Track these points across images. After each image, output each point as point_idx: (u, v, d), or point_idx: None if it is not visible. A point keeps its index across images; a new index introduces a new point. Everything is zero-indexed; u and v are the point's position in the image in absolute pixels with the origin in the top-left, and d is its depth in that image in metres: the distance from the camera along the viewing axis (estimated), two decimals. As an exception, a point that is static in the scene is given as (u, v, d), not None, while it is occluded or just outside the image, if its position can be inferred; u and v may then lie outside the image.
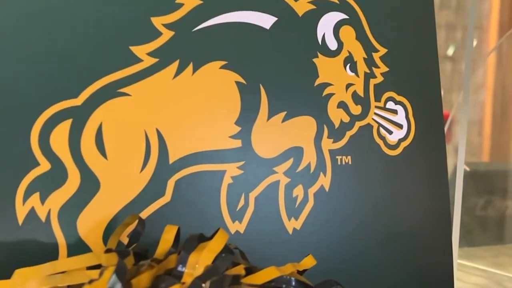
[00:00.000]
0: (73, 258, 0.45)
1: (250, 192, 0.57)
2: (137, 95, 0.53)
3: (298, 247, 0.59)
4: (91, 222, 0.50)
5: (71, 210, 0.49)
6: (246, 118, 0.58)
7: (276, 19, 0.59)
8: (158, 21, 0.54)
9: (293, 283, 0.46)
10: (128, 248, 0.48)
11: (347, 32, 0.63)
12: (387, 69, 0.66)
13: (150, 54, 0.53)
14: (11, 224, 0.48)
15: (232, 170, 0.56)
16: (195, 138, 0.55)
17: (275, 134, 0.59)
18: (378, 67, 0.65)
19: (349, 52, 0.63)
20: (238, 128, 0.57)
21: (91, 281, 0.40)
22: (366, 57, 0.64)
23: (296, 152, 0.60)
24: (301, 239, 0.59)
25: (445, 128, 0.95)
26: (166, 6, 0.55)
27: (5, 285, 0.43)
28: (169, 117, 0.54)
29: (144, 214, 0.52)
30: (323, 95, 0.61)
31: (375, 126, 0.64)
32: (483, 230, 1.33)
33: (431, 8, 0.71)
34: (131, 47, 0.53)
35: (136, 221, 0.50)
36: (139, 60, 0.53)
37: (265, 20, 0.59)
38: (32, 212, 0.48)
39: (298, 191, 0.60)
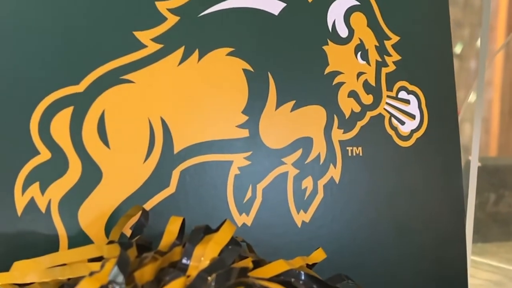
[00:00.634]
0: (73, 250, 0.43)
1: (258, 183, 0.55)
2: (141, 82, 0.51)
3: (307, 240, 0.57)
4: (93, 213, 0.48)
5: (72, 201, 0.48)
6: (254, 107, 0.55)
7: (285, 5, 0.57)
8: (162, 6, 0.52)
9: (302, 277, 0.45)
10: (131, 240, 0.47)
11: (358, 19, 0.61)
12: (399, 57, 0.64)
13: (155, 39, 0.51)
14: (10, 215, 0.46)
15: (239, 160, 0.54)
16: (200, 127, 0.53)
17: (284, 123, 0.57)
18: (390, 56, 0.63)
19: (360, 40, 0.61)
20: (246, 117, 0.55)
21: (91, 273, 0.39)
22: (377, 45, 0.62)
23: (305, 143, 0.58)
24: (310, 232, 0.57)
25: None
26: None
27: (4, 277, 0.42)
28: (174, 105, 0.52)
29: (148, 206, 0.50)
30: (333, 83, 0.59)
31: (387, 116, 0.62)
32: (495, 225, 1.31)
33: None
34: (134, 33, 0.51)
35: (140, 213, 0.49)
36: (143, 46, 0.51)
37: (274, 6, 0.57)
38: (31, 203, 0.46)
39: (307, 183, 0.58)
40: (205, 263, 0.42)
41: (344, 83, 0.59)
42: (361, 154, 0.60)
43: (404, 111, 0.63)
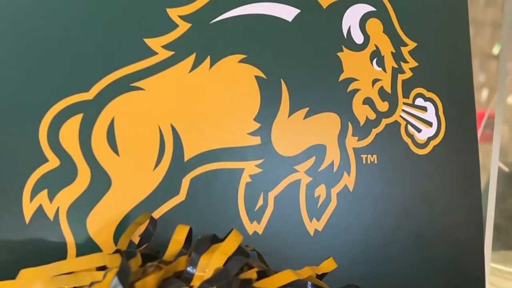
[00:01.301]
0: (78, 258, 0.43)
1: (270, 191, 0.55)
2: (151, 90, 0.50)
3: (320, 249, 0.56)
4: (101, 221, 0.48)
5: (80, 208, 0.47)
6: (266, 114, 0.55)
7: (299, 11, 0.57)
8: (174, 13, 0.52)
9: (310, 287, 0.44)
10: (139, 249, 0.46)
11: (374, 25, 0.60)
12: (416, 64, 0.63)
13: (165, 46, 0.51)
14: (18, 222, 0.45)
15: (250, 168, 0.54)
16: (212, 135, 0.52)
17: (297, 131, 0.56)
18: (407, 62, 0.62)
19: (376, 46, 0.60)
20: (258, 125, 0.54)
21: (91, 284, 0.38)
22: (394, 51, 0.61)
23: (318, 150, 0.57)
24: (323, 241, 0.56)
25: (481, 128, 0.92)
26: None
27: (11, 285, 0.42)
28: (185, 112, 0.51)
29: (157, 214, 0.50)
30: (347, 90, 0.58)
31: (403, 123, 0.61)
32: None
33: (464, 1, 0.68)
34: (145, 40, 0.50)
35: (148, 221, 0.48)
36: (153, 53, 0.51)
37: (287, 12, 0.56)
38: (39, 210, 0.46)
39: (320, 191, 0.57)
40: (209, 273, 0.42)
41: (359, 90, 0.59)
42: (376, 162, 0.59)
43: (420, 118, 0.62)
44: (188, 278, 0.42)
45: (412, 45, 0.62)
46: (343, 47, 0.58)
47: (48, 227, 0.46)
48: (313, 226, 0.56)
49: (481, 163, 0.67)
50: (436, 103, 0.63)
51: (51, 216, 0.46)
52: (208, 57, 0.52)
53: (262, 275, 0.44)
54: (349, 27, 0.58)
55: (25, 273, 0.42)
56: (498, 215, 0.80)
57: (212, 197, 0.52)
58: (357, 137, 0.58)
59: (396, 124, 0.60)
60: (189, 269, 0.42)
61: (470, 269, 0.65)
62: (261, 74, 0.54)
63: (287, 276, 0.44)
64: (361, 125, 0.58)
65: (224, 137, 0.52)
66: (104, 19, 0.49)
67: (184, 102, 0.51)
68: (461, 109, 0.65)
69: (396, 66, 0.60)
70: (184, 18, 0.51)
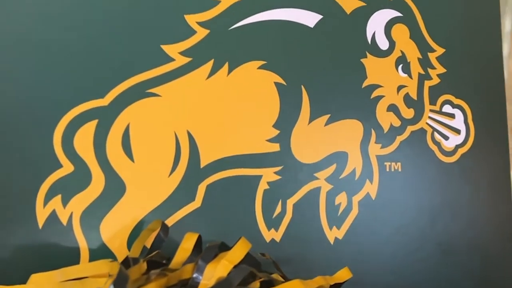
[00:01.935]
0: (84, 265, 0.42)
1: (288, 198, 0.53)
2: (167, 96, 0.49)
3: (340, 258, 0.54)
4: (115, 226, 0.47)
5: (94, 214, 0.46)
6: (286, 121, 0.53)
7: (321, 17, 0.55)
8: (192, 19, 0.50)
9: (315, 298, 0.42)
10: (146, 256, 0.45)
11: (400, 31, 0.58)
12: (444, 70, 0.60)
13: (183, 53, 0.50)
14: (31, 227, 0.45)
15: (268, 175, 0.52)
16: (229, 141, 0.51)
17: (317, 138, 0.54)
18: (434, 68, 0.59)
19: (402, 52, 0.58)
20: (277, 131, 0.53)
21: (92, 291, 0.38)
22: (421, 57, 0.59)
23: (339, 158, 0.55)
24: (344, 250, 0.54)
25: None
26: (202, 4, 0.51)
27: (20, 290, 0.41)
28: (202, 119, 0.50)
29: (172, 220, 0.49)
30: (371, 97, 0.56)
31: (429, 131, 0.59)
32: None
33: (496, 6, 0.65)
34: (162, 46, 0.49)
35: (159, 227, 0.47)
36: (170, 60, 0.49)
37: (309, 18, 0.54)
38: (53, 215, 0.45)
39: (341, 199, 0.55)
40: (213, 281, 0.40)
41: (383, 96, 0.56)
42: (400, 170, 0.57)
43: (448, 126, 0.59)
44: (194, 286, 0.40)
45: (440, 51, 0.59)
46: (367, 53, 0.56)
47: (62, 232, 0.46)
48: (333, 234, 0.54)
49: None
50: (465, 110, 0.60)
51: (64, 221, 0.45)
52: (226, 63, 0.51)
53: (268, 284, 0.43)
54: (374, 32, 0.56)
55: (35, 278, 0.42)
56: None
57: (229, 204, 0.50)
58: (380, 144, 0.56)
59: (422, 131, 0.58)
60: (195, 276, 0.41)
61: (499, 282, 0.62)
62: (281, 81, 0.52)
63: (294, 285, 0.42)
64: (385, 132, 0.56)
65: (242, 144, 0.51)
66: (121, 26, 0.48)
67: (201, 109, 0.50)
68: (492, 116, 0.62)
69: (422, 72, 0.58)
70: (202, 24, 0.50)
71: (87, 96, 0.46)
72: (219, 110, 0.50)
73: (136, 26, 0.48)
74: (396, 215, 0.56)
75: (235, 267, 0.42)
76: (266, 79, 0.52)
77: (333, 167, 0.54)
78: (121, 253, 0.47)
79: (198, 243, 0.45)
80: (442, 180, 0.58)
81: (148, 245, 0.47)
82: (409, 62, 0.57)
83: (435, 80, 0.59)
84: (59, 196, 0.45)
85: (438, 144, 0.58)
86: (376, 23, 0.56)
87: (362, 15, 0.56)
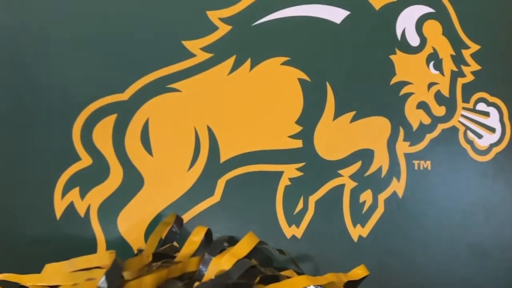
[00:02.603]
0: (88, 256, 0.39)
1: (310, 195, 0.49)
2: (188, 91, 0.46)
3: (364, 256, 0.50)
4: (132, 219, 0.43)
5: (112, 207, 0.42)
6: (309, 117, 0.47)
7: (348, 13, 0.51)
8: (214, 15, 0.47)
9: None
10: (162, 248, 0.43)
11: (432, 27, 0.53)
12: (479, 67, 0.55)
13: (204, 49, 0.47)
14: (49, 218, 0.41)
15: (290, 171, 0.49)
16: (250, 137, 0.45)
17: (342, 135, 0.48)
18: (469, 65, 0.54)
19: (434, 49, 0.53)
20: (299, 128, 0.49)
21: (89, 279, 0.37)
22: (454, 54, 0.54)
23: (365, 155, 0.50)
24: (368, 248, 0.49)
25: None
26: (225, 0, 0.49)
27: (34, 279, 0.40)
28: (222, 114, 0.45)
29: (190, 214, 0.45)
30: (400, 94, 0.52)
31: (462, 129, 0.54)
32: None
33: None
34: (183, 42, 0.46)
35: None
36: (191, 55, 0.46)
37: (336, 14, 0.50)
38: (70, 207, 0.42)
39: (366, 196, 0.51)
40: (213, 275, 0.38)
41: (412, 93, 0.52)
42: (429, 168, 0.52)
43: (482, 124, 0.54)
44: (199, 278, 0.38)
45: (475, 47, 0.54)
46: (396, 49, 0.51)
47: (79, 224, 0.42)
48: (357, 232, 0.50)
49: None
50: (501, 108, 0.55)
51: (82, 213, 0.43)
52: (249, 59, 0.47)
53: (274, 279, 0.40)
54: (404, 29, 0.52)
55: (49, 268, 0.40)
56: None
57: (249, 200, 0.46)
58: (409, 142, 0.51)
59: (454, 129, 0.53)
60: (200, 269, 0.39)
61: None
62: (305, 77, 0.49)
63: (300, 281, 0.39)
64: (414, 129, 0.51)
65: (263, 140, 0.47)
66: (142, 22, 0.43)
67: (222, 104, 0.46)
68: (529, 115, 0.57)
69: (455, 69, 0.53)
70: (224, 20, 0.47)
71: (107, 91, 0.43)
72: (240, 106, 0.47)
73: (157, 21, 0.45)
74: (423, 214, 0.51)
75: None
76: (289, 75, 0.48)
77: (358, 165, 0.50)
78: (138, 245, 0.44)
79: (209, 237, 0.43)
80: (475, 180, 0.53)
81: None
82: (441, 59, 0.53)
83: (469, 78, 0.54)
84: (77, 189, 0.43)
85: (471, 142, 0.53)
86: (407, 19, 0.52)
87: (392, 11, 0.51)
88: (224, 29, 0.42)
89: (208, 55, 0.42)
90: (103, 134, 0.40)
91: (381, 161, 0.45)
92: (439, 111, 0.47)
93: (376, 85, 0.46)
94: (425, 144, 0.47)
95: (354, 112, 0.45)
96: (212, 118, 0.42)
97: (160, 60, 0.41)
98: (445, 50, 0.47)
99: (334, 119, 0.44)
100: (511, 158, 0.49)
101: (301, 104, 0.44)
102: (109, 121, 0.40)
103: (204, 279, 0.35)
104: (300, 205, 0.44)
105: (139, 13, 0.41)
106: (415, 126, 0.46)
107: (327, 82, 0.44)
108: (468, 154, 0.48)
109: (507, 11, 0.51)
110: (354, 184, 0.45)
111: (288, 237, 0.43)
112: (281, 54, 0.44)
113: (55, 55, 0.41)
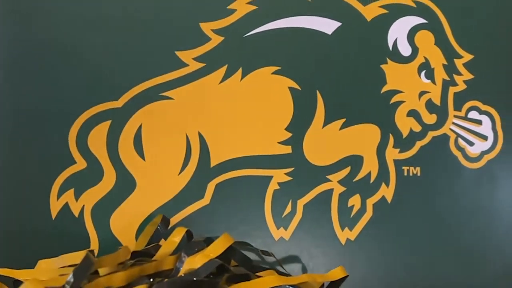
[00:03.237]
0: (74, 253, 0.40)
1: (299, 199, 0.47)
2: (180, 99, 0.45)
3: (351, 259, 0.48)
4: (124, 220, 0.40)
5: (105, 208, 0.39)
6: (299, 124, 0.44)
7: (340, 24, 0.49)
8: (207, 27, 0.46)
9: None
10: (146, 247, 0.43)
11: (424, 37, 0.51)
12: (471, 76, 0.52)
13: (196, 59, 0.46)
14: (45, 217, 0.40)
15: (279, 176, 0.47)
16: (240, 143, 0.41)
17: (331, 141, 0.46)
18: (461, 74, 0.52)
19: (425, 58, 0.51)
20: (289, 134, 0.47)
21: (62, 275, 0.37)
22: (446, 63, 0.51)
23: (354, 161, 0.48)
24: (355, 251, 0.47)
25: None
26: (217, 12, 0.44)
27: (28, 273, 0.41)
28: (213, 121, 0.41)
29: (180, 216, 0.44)
30: (390, 102, 0.50)
31: (453, 136, 0.51)
32: None
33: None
34: (176, 52, 0.45)
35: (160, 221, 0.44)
36: (184, 65, 0.45)
37: (327, 25, 0.49)
38: (65, 207, 0.40)
39: (355, 201, 0.49)
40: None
41: (403, 102, 0.49)
42: (419, 175, 0.50)
43: (474, 132, 0.51)
44: (174, 275, 0.38)
45: (467, 57, 0.51)
46: (387, 59, 0.49)
47: (73, 224, 0.40)
48: (345, 235, 0.48)
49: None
50: (493, 116, 0.52)
51: (76, 213, 0.42)
52: (240, 68, 0.46)
53: (244, 278, 0.40)
54: (396, 39, 0.49)
55: (41, 264, 0.41)
56: None
57: (238, 203, 0.44)
58: (398, 149, 0.49)
59: (445, 137, 0.50)
60: (177, 266, 0.39)
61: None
62: (295, 86, 0.47)
63: (269, 280, 0.39)
64: (404, 137, 0.49)
65: (253, 145, 0.45)
66: (137, 32, 0.40)
67: (213, 111, 0.44)
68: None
69: (447, 78, 0.51)
70: (217, 31, 0.46)
71: (102, 98, 0.42)
72: (231, 113, 0.45)
73: (152, 33, 0.43)
74: (412, 219, 0.47)
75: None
76: (280, 84, 0.47)
77: (347, 170, 0.48)
78: (130, 245, 0.43)
79: (190, 238, 0.43)
80: (465, 186, 0.50)
81: (156, 239, 0.44)
82: (433, 68, 0.50)
83: (461, 86, 0.51)
84: (72, 190, 0.42)
85: (462, 150, 0.51)
86: (399, 30, 0.49)
87: (384, 21, 0.49)
88: (216, 40, 0.41)
89: (201, 65, 0.41)
90: (97, 139, 0.39)
91: (370, 166, 0.44)
92: (430, 119, 0.45)
93: (366, 93, 0.44)
94: (415, 151, 0.45)
95: (343, 120, 0.43)
96: (203, 125, 0.41)
97: (154, 70, 0.40)
98: (437, 60, 0.45)
99: (323, 126, 0.43)
100: (502, 165, 0.47)
101: (291, 112, 0.42)
102: (104, 127, 0.39)
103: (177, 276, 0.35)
104: (288, 209, 0.42)
105: (135, 25, 0.39)
106: (405, 133, 0.44)
107: (317, 91, 0.43)
108: (459, 161, 0.46)
109: (501, 20, 0.49)
110: (343, 189, 0.43)
111: (276, 239, 0.42)
112: (272, 63, 0.42)
113: (53, 64, 0.40)
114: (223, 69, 0.38)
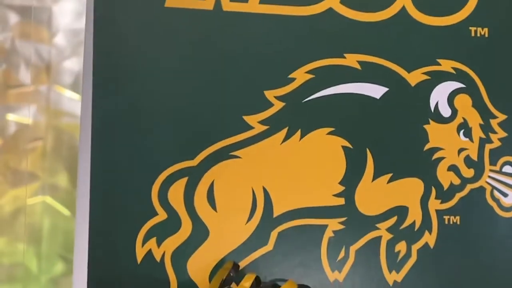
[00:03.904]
0: None
1: (351, 245, 0.50)
2: (247, 158, 0.48)
3: None
4: (200, 264, 0.43)
5: (182, 253, 0.43)
6: (351, 179, 0.46)
7: (387, 89, 0.53)
8: (270, 94, 0.50)
9: None
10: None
11: (463, 100, 0.54)
12: (505, 134, 0.54)
13: (261, 122, 0.49)
14: (131, 263, 0.44)
15: (333, 224, 0.50)
16: (299, 195, 0.45)
17: (380, 194, 0.47)
18: (496, 133, 0.55)
19: (464, 119, 0.54)
20: (342, 188, 0.50)
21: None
22: (482, 123, 0.54)
23: (400, 211, 0.51)
24: None
25: None
26: (279, 81, 0.46)
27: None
28: (276, 176, 0.45)
29: (247, 261, 0.47)
30: (432, 159, 0.53)
31: (489, 188, 0.54)
32: None
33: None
34: (244, 117, 0.50)
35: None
36: (250, 128, 0.49)
37: (376, 91, 0.52)
38: (149, 254, 0.43)
39: (401, 247, 0.51)
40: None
41: (444, 158, 0.52)
42: (458, 223, 0.52)
43: (507, 184, 0.55)
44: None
45: (502, 117, 0.54)
46: (429, 120, 0.52)
47: (156, 268, 0.45)
48: (392, 277, 0.51)
49: None
50: None
51: (158, 258, 0.46)
52: (299, 130, 0.49)
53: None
54: (437, 102, 0.53)
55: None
56: None
57: (298, 248, 0.47)
58: (440, 200, 0.51)
59: (481, 189, 0.53)
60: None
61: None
62: (348, 144, 0.50)
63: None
64: (445, 189, 0.51)
65: (311, 198, 0.48)
66: (209, 99, 0.45)
67: (276, 168, 0.48)
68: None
69: (484, 136, 0.54)
70: (279, 98, 0.50)
71: (180, 158, 0.47)
72: (291, 169, 0.48)
73: (222, 100, 0.48)
74: (453, 264, 0.48)
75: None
76: (334, 143, 0.50)
77: (394, 219, 0.51)
78: (205, 286, 0.49)
79: (258, 283, 0.46)
80: (501, 234, 0.53)
81: (227, 282, 0.47)
82: (471, 128, 0.53)
83: (496, 144, 0.54)
84: (154, 238, 0.46)
85: (497, 200, 0.53)
86: (440, 94, 0.52)
87: (427, 86, 0.52)
88: (278, 105, 0.45)
89: (265, 127, 0.44)
90: (176, 194, 0.42)
91: (414, 216, 0.47)
92: (468, 173, 0.48)
93: (411, 151, 0.47)
94: (455, 201, 0.47)
95: (391, 174, 0.46)
96: (267, 180, 0.44)
97: (224, 132, 0.44)
98: (474, 120, 0.48)
99: (373, 180, 0.46)
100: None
101: (344, 167, 0.46)
102: (182, 183, 0.43)
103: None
104: (342, 254, 0.45)
105: (206, 93, 0.46)
106: (446, 186, 0.47)
107: (367, 149, 0.46)
108: (494, 211, 0.49)
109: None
110: (390, 236, 0.46)
111: (332, 281, 0.45)
112: (327, 125, 0.45)
113: (137, 128, 0.46)
114: (284, 131, 0.41)
